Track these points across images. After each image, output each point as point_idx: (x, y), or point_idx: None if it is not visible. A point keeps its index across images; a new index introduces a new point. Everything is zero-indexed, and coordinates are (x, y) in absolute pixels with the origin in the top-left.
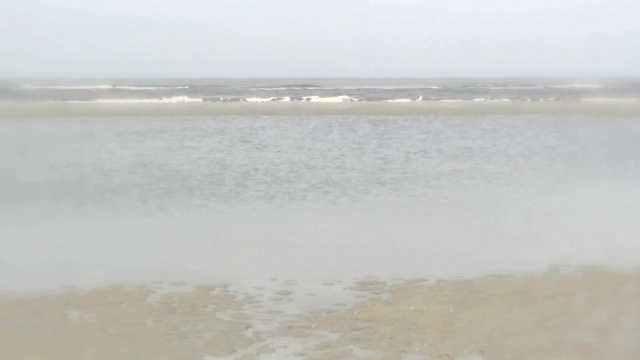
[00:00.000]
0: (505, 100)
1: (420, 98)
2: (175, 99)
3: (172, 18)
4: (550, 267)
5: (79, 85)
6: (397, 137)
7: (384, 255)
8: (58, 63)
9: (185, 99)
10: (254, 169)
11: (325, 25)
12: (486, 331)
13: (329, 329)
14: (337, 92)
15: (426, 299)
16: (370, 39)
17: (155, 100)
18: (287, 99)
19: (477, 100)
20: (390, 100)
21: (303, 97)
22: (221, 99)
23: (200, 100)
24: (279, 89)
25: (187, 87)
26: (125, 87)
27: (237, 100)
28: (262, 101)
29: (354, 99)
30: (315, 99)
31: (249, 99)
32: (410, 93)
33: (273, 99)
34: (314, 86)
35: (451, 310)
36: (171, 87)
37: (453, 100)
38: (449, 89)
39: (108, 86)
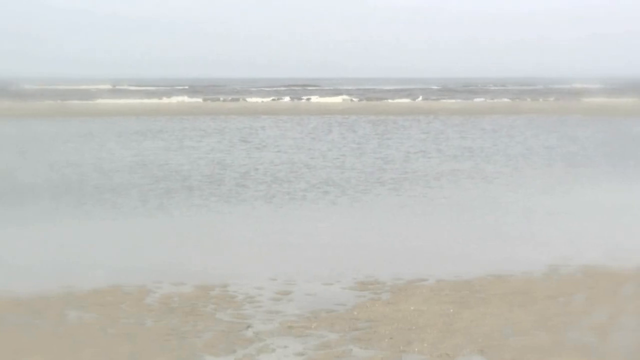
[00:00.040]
0: (505, 100)
1: (420, 98)
2: (175, 99)
3: (172, 18)
4: (550, 267)
5: (78, 85)
6: (397, 137)
7: (383, 255)
8: (58, 63)
9: (185, 99)
10: (254, 169)
11: (325, 25)
12: (486, 331)
13: (329, 329)
14: (337, 92)
15: (426, 299)
16: (370, 39)
17: (155, 100)
18: (287, 99)
19: (477, 100)
20: (390, 100)
21: (303, 97)
22: (221, 99)
23: (200, 100)
24: (278, 89)
25: (187, 87)
26: (125, 87)
27: (237, 100)
28: (262, 101)
29: (353, 99)
30: (315, 99)
31: (248, 99)
32: (410, 93)
33: (273, 99)
34: (314, 86)
35: (451, 310)
36: (171, 87)
37: (453, 100)
38: (449, 89)
39: (108, 86)
